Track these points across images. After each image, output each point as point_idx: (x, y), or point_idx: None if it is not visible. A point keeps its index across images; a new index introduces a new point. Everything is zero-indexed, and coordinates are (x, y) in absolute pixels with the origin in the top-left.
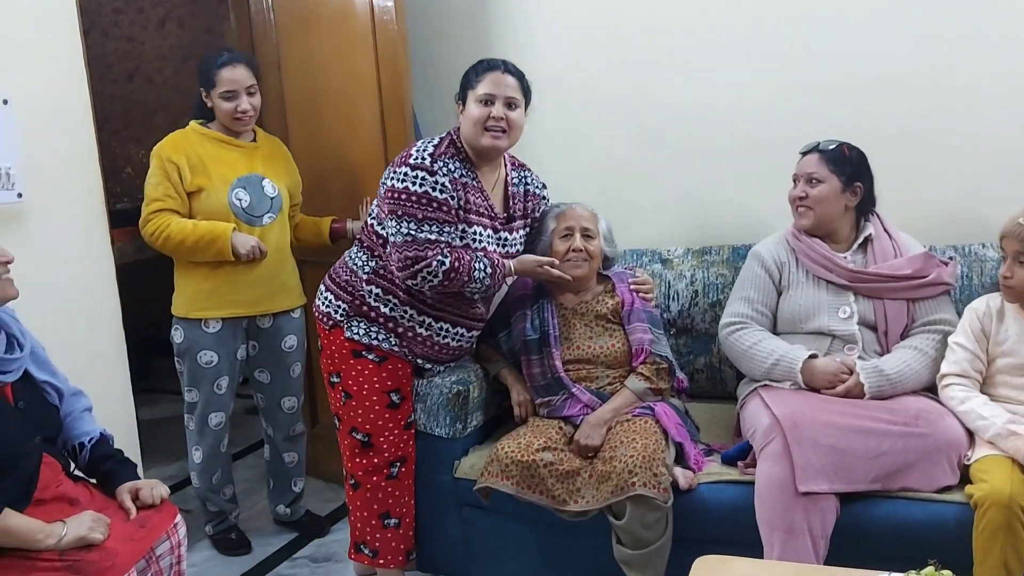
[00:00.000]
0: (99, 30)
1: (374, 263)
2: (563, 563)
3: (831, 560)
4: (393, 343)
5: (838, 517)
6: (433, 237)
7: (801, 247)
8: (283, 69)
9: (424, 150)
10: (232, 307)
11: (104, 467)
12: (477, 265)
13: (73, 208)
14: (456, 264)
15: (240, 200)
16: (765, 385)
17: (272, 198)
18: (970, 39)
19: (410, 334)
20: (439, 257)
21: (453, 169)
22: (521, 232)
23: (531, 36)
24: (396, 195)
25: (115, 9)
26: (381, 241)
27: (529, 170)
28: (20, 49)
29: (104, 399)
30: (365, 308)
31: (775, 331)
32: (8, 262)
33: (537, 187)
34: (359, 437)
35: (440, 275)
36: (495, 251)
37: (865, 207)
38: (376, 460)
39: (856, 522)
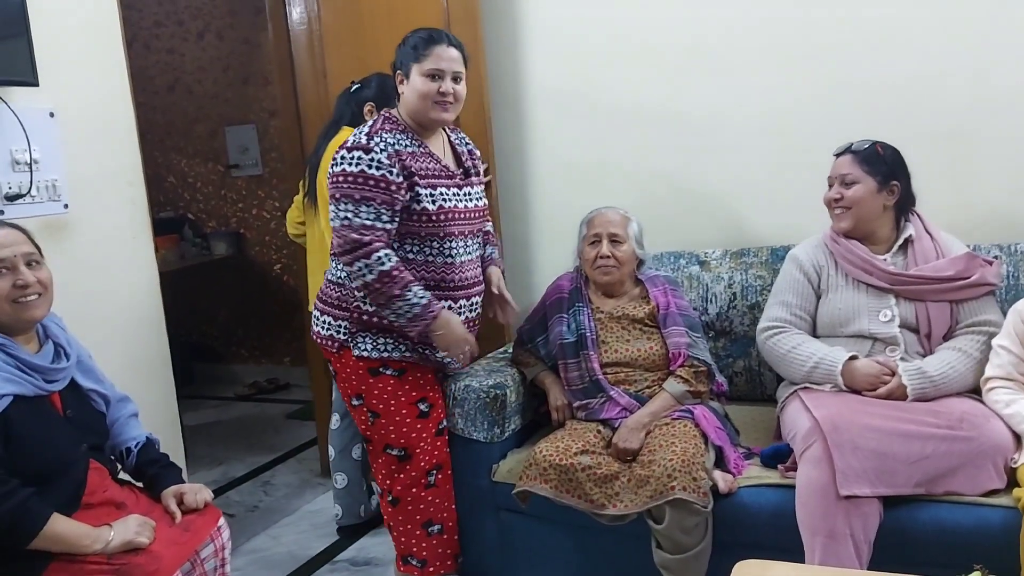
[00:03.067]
0: (140, 43)
1: None
2: (601, 568)
3: (874, 565)
4: (404, 351)
5: (881, 521)
6: (368, 222)
7: (840, 250)
8: (329, 78)
9: (360, 132)
10: None
11: (150, 471)
12: (415, 288)
13: (118, 218)
14: (395, 273)
15: None
16: (805, 387)
17: None
18: (1010, 35)
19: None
20: (383, 252)
21: (393, 142)
22: (479, 187)
23: (563, 38)
24: (335, 179)
25: (156, 22)
26: None
27: (458, 129)
28: (66, 62)
29: (149, 405)
30: (366, 318)
31: (814, 335)
32: (22, 285)
33: (473, 146)
34: (395, 453)
35: (376, 274)
36: (465, 207)
37: (904, 206)
38: (414, 472)
39: (900, 526)
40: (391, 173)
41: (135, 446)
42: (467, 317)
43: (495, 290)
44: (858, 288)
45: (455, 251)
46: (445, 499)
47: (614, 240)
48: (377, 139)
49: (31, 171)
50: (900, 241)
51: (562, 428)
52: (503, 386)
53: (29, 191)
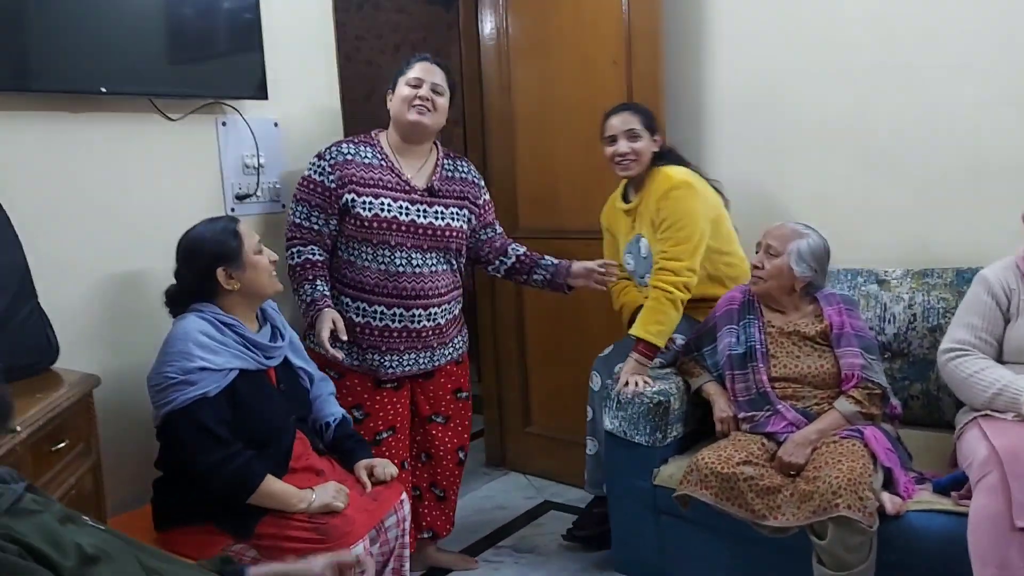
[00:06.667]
0: (343, 55)
1: None
2: None
3: None
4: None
5: None
6: (298, 221)
7: None
8: (513, 90)
9: (333, 143)
10: None
11: (345, 446)
12: (307, 288)
13: None
14: (298, 270)
15: None
16: (985, 415)
17: None
18: None
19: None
20: (295, 249)
21: (349, 151)
22: (453, 208)
23: (745, 41)
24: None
25: (357, 36)
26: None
27: (464, 160)
28: (289, 76)
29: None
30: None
31: (1000, 361)
32: (274, 261)
33: (474, 176)
34: None
35: (288, 267)
36: (416, 222)
37: None
38: None
39: None
40: (328, 180)
41: (333, 422)
42: (424, 326)
43: (583, 270)
44: None
45: (396, 261)
46: None
47: (768, 251)
48: (335, 149)
49: (257, 175)
50: None
51: (726, 438)
52: (667, 393)
53: (255, 192)
